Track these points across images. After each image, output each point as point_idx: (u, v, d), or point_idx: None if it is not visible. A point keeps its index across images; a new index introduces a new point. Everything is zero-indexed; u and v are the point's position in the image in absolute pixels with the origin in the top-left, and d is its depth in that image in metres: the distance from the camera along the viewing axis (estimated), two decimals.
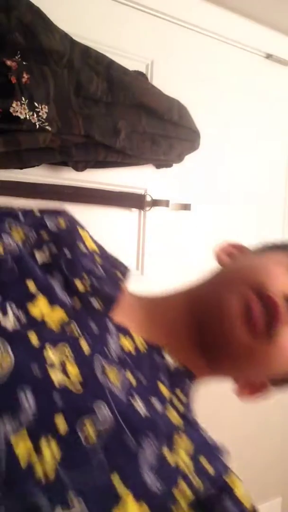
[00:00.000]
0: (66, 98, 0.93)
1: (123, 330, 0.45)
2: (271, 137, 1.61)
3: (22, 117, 0.84)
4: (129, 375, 0.41)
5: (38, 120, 0.87)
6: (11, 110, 0.83)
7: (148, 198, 1.28)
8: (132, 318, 0.48)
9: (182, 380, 0.48)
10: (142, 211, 1.29)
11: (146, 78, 1.19)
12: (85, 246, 0.51)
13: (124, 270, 0.54)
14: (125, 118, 1.05)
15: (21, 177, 1.08)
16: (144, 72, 1.24)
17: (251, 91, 1.53)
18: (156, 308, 0.52)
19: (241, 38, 1.48)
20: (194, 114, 1.27)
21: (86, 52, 1.00)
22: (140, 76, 1.15)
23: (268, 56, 1.56)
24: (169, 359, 0.47)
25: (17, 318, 0.38)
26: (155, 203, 1.28)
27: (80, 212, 1.22)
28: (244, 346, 0.45)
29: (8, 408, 0.32)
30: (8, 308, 0.38)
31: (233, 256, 0.57)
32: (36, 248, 0.46)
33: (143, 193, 1.28)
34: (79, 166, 1.05)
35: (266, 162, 1.60)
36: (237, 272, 0.50)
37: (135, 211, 1.29)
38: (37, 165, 1.01)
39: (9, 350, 0.35)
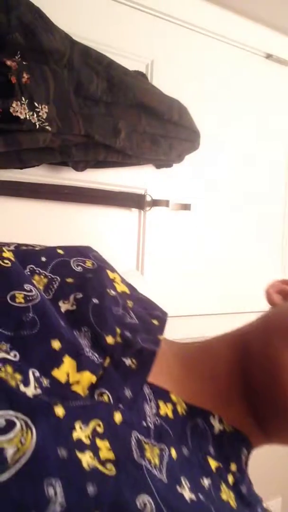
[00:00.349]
0: (66, 98, 0.93)
1: (161, 395, 0.39)
2: (271, 137, 1.60)
3: (22, 117, 0.84)
4: (171, 451, 0.35)
5: (38, 120, 0.87)
6: (11, 110, 0.83)
7: (148, 198, 1.28)
8: (169, 374, 0.42)
9: (235, 449, 0.40)
10: (142, 211, 1.29)
11: (146, 78, 1.19)
12: (115, 289, 0.46)
13: (160, 315, 0.48)
14: (125, 118, 1.05)
15: (21, 177, 1.08)
16: (144, 72, 1.24)
17: (251, 91, 1.53)
18: (196, 360, 0.45)
19: (241, 38, 1.48)
20: (194, 114, 1.26)
21: (86, 52, 1.00)
22: (140, 76, 1.14)
23: (268, 56, 1.56)
24: (217, 425, 0.40)
25: (39, 384, 0.33)
26: (155, 203, 1.28)
27: (80, 212, 1.22)
28: None
29: (33, 507, 0.26)
30: (31, 377, 0.32)
31: (287, 296, 0.50)
32: (62, 299, 0.41)
33: (143, 193, 1.28)
34: (79, 166, 1.05)
35: (266, 162, 1.60)
36: None
37: (135, 211, 1.29)
38: (37, 165, 1.01)
39: (32, 427, 0.28)
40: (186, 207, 1.34)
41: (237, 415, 0.41)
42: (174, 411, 0.38)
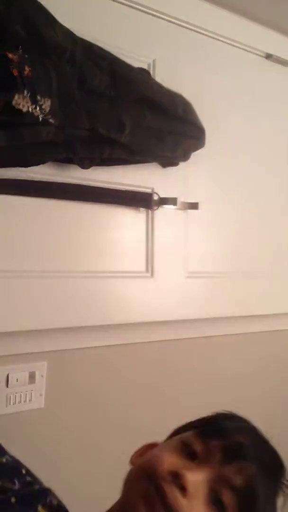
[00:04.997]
0: (69, 91, 0.92)
1: None
2: (272, 135, 1.60)
3: (24, 110, 0.83)
4: None
5: (41, 113, 0.86)
6: (13, 102, 0.82)
7: (155, 197, 1.25)
8: None
9: None
10: (149, 211, 1.26)
11: (149, 74, 1.19)
12: None
13: None
14: (130, 113, 1.03)
15: (27, 175, 1.06)
16: None
17: (251, 91, 1.54)
18: None
19: (241, 38, 1.48)
20: None
21: (89, 48, 1.00)
22: (144, 73, 1.15)
23: (268, 56, 1.57)
24: None
25: None
26: (162, 201, 1.25)
27: (86, 211, 1.20)
28: None
29: None
30: None
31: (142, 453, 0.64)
32: None
33: (150, 192, 1.25)
34: (84, 163, 1.03)
35: (268, 159, 1.59)
36: (138, 470, 0.58)
37: (142, 211, 1.26)
38: (42, 163, 1.00)
39: None
40: (193, 206, 1.31)
41: None
42: None
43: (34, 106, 0.85)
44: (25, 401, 1.22)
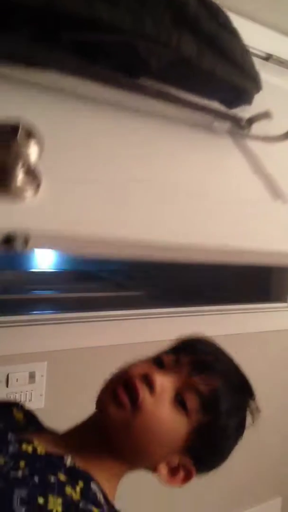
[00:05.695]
0: None
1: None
2: None
3: None
4: None
5: None
6: None
7: (242, 120, 1.06)
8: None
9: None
10: (238, 136, 1.06)
11: None
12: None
13: None
14: None
15: None
16: None
17: None
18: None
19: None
20: None
21: None
22: None
23: (268, 57, 1.56)
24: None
25: None
26: (252, 120, 1.05)
27: (164, 130, 0.92)
28: (120, 420, 0.61)
29: None
30: None
31: None
32: None
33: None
34: (152, 60, 0.83)
35: None
36: (111, 376, 0.68)
37: (227, 139, 1.05)
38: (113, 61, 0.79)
39: None
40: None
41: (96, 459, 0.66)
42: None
43: None
44: (25, 401, 1.22)
